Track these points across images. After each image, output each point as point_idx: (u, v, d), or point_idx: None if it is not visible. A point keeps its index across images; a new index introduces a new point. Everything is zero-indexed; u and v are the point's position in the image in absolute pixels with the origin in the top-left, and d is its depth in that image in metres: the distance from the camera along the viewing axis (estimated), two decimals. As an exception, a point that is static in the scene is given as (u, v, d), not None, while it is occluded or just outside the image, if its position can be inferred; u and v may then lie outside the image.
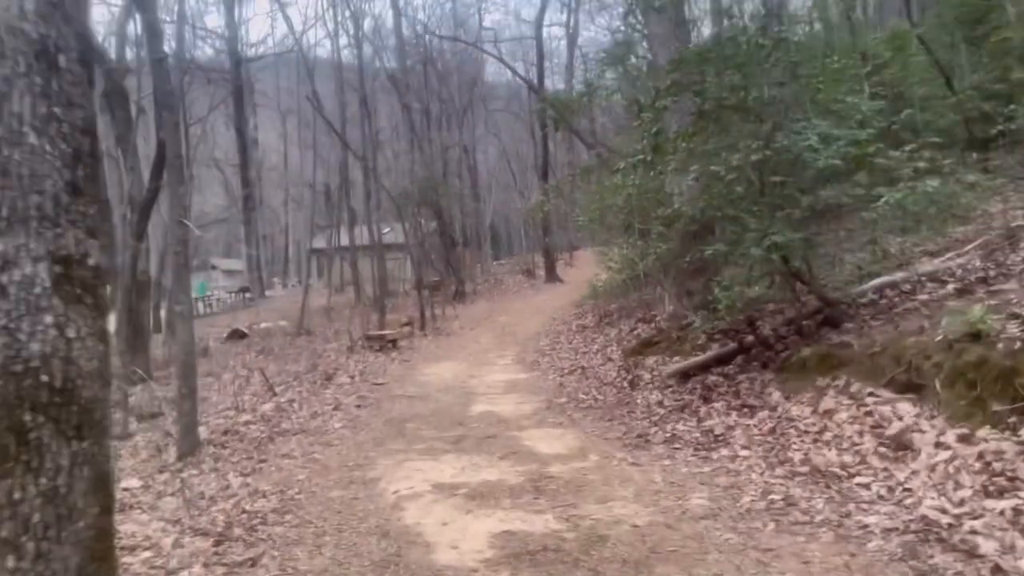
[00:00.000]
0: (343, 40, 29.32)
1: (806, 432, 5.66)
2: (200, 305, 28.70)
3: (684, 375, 7.95)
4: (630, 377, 8.86)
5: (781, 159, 6.63)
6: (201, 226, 54.98)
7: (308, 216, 44.19)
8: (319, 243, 36.70)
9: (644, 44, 17.95)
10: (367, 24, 33.44)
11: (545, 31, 34.75)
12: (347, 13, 28.37)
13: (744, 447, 5.66)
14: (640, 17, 13.74)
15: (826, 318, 7.17)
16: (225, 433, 8.49)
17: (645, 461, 5.71)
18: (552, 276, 29.25)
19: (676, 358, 8.88)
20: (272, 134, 51.66)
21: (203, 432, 8.72)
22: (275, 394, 10.74)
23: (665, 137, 7.27)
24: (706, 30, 14.80)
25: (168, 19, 24.15)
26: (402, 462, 6.18)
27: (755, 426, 6.08)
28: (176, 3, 21.49)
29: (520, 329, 17.83)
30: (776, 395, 6.52)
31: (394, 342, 15.66)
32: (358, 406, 8.89)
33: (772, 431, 5.87)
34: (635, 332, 11.50)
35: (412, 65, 37.15)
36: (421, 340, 17.03)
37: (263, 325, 24.64)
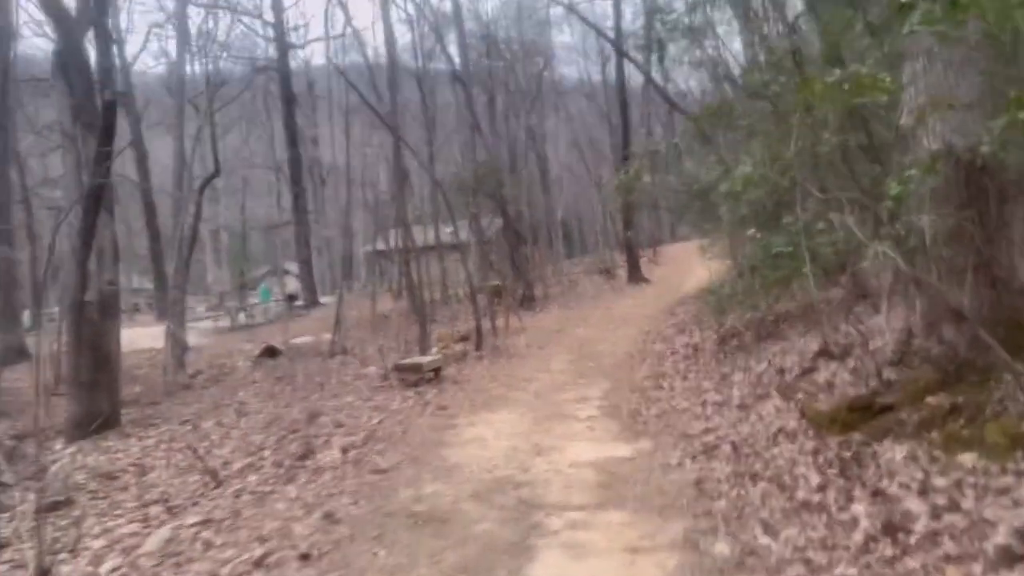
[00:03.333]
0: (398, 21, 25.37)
1: None
2: (242, 316, 25.00)
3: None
4: (877, 506, 4.00)
5: None
6: (268, 229, 52.36)
7: (372, 218, 40.44)
8: (380, 245, 32.75)
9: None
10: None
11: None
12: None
13: None
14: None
15: None
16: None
17: None
18: (636, 276, 24.29)
19: (969, 457, 3.99)
20: (337, 134, 48.14)
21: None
22: (219, 484, 6.37)
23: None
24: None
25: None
26: None
27: None
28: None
29: (604, 348, 13.07)
30: None
31: (436, 371, 11.17)
32: (305, 556, 4.33)
33: None
34: (813, 375, 6.57)
35: (476, 59, 32.98)
36: (474, 366, 12.48)
37: (300, 340, 20.64)
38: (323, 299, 36.95)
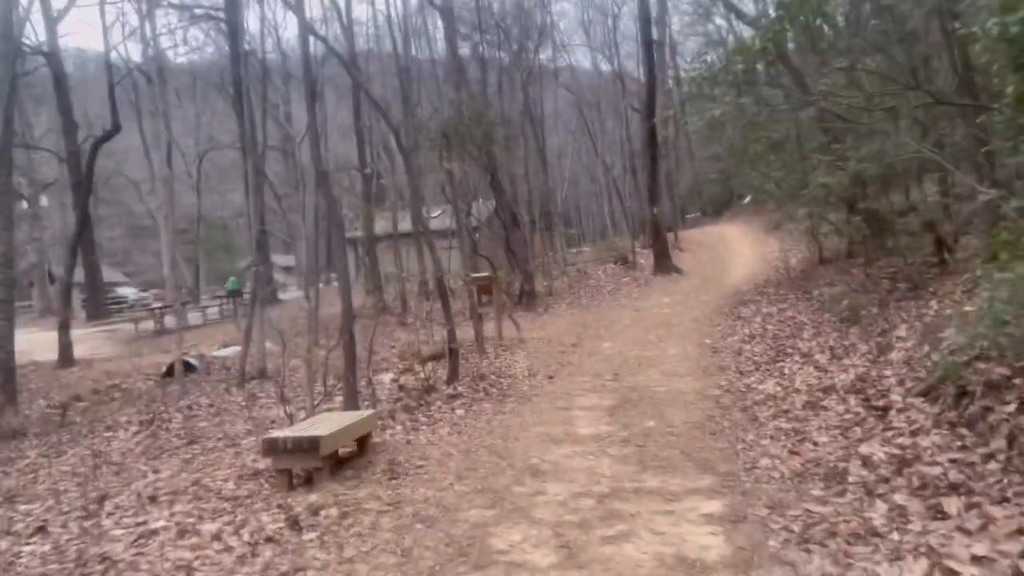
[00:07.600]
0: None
1: None
2: (193, 315, 19.32)
3: None
4: None
5: None
6: (234, 219, 46.42)
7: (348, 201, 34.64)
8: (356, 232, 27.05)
9: None
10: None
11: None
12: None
13: None
14: None
15: None
16: None
17: None
18: (665, 265, 18.65)
19: None
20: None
21: None
22: None
23: None
24: None
25: None
26: None
27: None
28: None
29: (659, 382, 7.51)
30: None
31: (362, 442, 5.66)
32: None
33: None
34: None
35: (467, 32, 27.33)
36: (438, 423, 6.91)
37: (231, 350, 15.01)
38: (295, 294, 31.27)
